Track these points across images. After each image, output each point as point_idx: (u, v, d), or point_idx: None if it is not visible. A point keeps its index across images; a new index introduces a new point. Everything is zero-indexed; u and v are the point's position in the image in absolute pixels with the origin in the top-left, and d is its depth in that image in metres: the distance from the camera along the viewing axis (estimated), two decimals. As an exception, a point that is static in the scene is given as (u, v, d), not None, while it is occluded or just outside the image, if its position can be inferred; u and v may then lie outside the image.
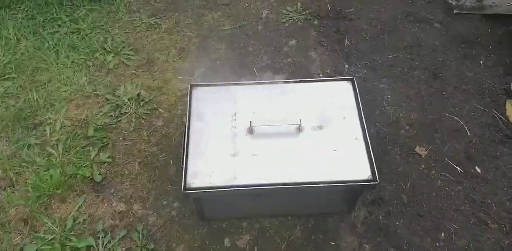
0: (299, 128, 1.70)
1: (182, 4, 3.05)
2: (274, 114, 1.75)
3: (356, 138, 1.70)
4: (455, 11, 3.01)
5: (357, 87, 1.85)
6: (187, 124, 1.71)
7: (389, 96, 2.51)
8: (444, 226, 2.03)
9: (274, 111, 1.77)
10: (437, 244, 1.96)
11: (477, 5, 3.06)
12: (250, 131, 1.70)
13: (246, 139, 1.69)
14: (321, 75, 2.55)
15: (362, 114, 1.76)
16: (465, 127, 2.45)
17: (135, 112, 2.43)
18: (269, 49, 2.72)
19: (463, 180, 2.25)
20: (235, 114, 1.77)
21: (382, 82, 2.57)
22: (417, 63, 2.70)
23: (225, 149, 1.65)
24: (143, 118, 2.41)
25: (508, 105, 2.56)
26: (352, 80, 1.89)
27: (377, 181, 1.57)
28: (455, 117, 2.49)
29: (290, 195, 1.73)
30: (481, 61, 2.76)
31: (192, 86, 1.86)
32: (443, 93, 2.59)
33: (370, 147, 1.64)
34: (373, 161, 1.61)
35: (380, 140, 2.34)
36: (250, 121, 1.67)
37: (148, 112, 2.44)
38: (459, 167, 2.30)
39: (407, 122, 2.43)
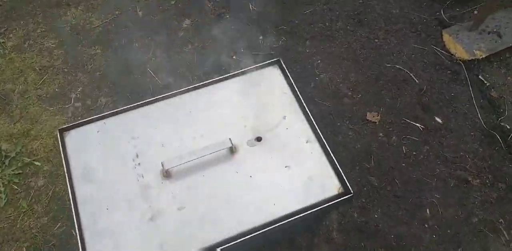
0: (232, 149, 1.26)
1: (25, 8, 2.32)
2: (192, 140, 1.28)
3: (307, 141, 1.29)
4: None
5: (286, 70, 1.41)
6: (69, 191, 1.20)
7: (319, 61, 2.12)
8: (426, 200, 1.77)
9: (190, 136, 1.30)
10: (426, 225, 1.70)
11: None
12: (166, 175, 1.23)
13: (163, 188, 1.22)
14: (234, 57, 2.07)
15: (305, 105, 1.34)
16: (411, 75, 2.15)
17: (0, 178, 1.80)
18: (160, 38, 2.15)
19: (428, 137, 1.99)
20: (137, 156, 1.28)
21: (306, 46, 2.15)
22: (337, 12, 2.29)
23: (137, 213, 1.17)
24: (14, 182, 1.78)
25: (445, 37, 2.28)
26: (279, 63, 1.44)
27: (351, 193, 1.21)
28: (397, 66, 2.17)
29: (249, 242, 1.32)
30: (403, -7, 2.42)
31: (62, 131, 1.32)
32: (376, 40, 2.24)
33: (328, 148, 1.25)
34: (338, 166, 1.23)
35: (325, 118, 1.97)
36: (162, 162, 1.20)
37: (20, 171, 1.79)
38: (419, 123, 2.02)
39: (348, 87, 2.07)
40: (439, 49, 2.25)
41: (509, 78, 2.23)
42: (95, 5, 2.26)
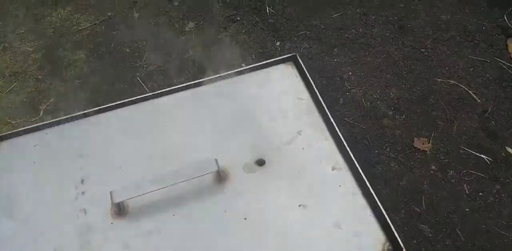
0: (220, 176, 0.84)
1: (8, 7, 2.01)
2: (162, 160, 0.87)
3: (333, 168, 0.85)
4: None
5: (305, 69, 1.00)
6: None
7: (350, 73, 1.69)
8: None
9: (160, 155, 0.89)
10: None
11: None
12: (117, 211, 0.81)
13: (111, 232, 0.80)
14: (243, 65, 1.69)
15: (330, 116, 0.91)
16: (470, 92, 1.68)
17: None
18: (156, 43, 1.80)
19: (498, 173, 1.49)
20: (82, 181, 0.88)
21: (334, 55, 1.74)
22: (373, 17, 1.89)
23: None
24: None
25: (511, 47, 1.82)
26: (294, 59, 1.03)
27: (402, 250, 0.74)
28: (451, 81, 1.71)
29: None
30: (453, -3, 2.01)
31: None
32: (422, 50, 1.80)
33: (365, 180, 0.80)
34: (382, 209, 0.76)
35: (358, 143, 1.51)
36: (111, 193, 0.77)
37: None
38: (484, 155, 1.53)
39: (389, 105, 1.62)
40: (504, 62, 1.79)
41: None
42: (85, 6, 1.94)
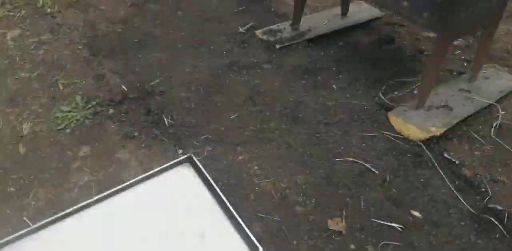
0: None
1: None
2: None
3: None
4: (277, 46, 2.63)
5: (202, 169, 1.07)
6: None
7: (256, 168, 1.82)
8: None
9: None
10: None
11: (295, 33, 2.76)
12: None
13: None
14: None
15: (234, 213, 0.96)
16: (367, 166, 1.85)
17: None
18: (46, 176, 1.77)
19: (411, 238, 1.58)
20: None
21: (238, 153, 1.88)
22: (268, 113, 2.12)
23: None
24: None
25: (393, 119, 2.10)
26: (190, 160, 1.11)
27: None
28: (349, 159, 1.89)
29: None
30: (334, 86, 2.34)
31: None
32: (317, 135, 2.01)
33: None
34: None
35: (276, 236, 1.55)
36: None
37: None
38: (394, 223, 1.63)
39: (298, 193, 1.73)
40: (390, 133, 2.03)
41: (476, 153, 1.97)
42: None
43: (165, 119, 1.99)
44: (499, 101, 2.17)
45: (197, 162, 1.12)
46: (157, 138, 1.90)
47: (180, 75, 2.33)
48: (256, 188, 1.72)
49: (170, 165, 1.13)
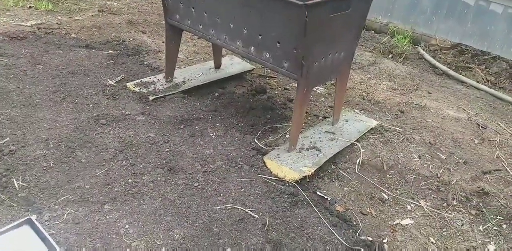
0: None
1: None
2: None
3: None
4: (150, 98, 2.65)
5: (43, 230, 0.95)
6: None
7: (127, 226, 1.70)
8: None
9: None
10: None
11: (170, 85, 2.83)
12: None
13: None
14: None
15: None
16: (246, 211, 1.89)
17: None
18: None
19: (293, 280, 1.60)
20: None
21: (105, 212, 1.75)
22: (141, 165, 2.05)
23: None
24: None
25: (268, 162, 2.21)
26: (29, 223, 0.98)
27: None
28: (228, 206, 1.90)
29: None
30: (211, 134, 2.40)
31: None
32: (195, 184, 2.00)
33: None
34: None
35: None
36: None
37: None
38: (277, 266, 1.64)
39: (175, 248, 1.65)
40: (266, 176, 2.13)
41: (345, 189, 2.17)
42: None
43: (15, 182, 1.77)
44: (358, 140, 2.47)
45: (37, 223, 1.01)
46: (4, 204, 1.66)
47: (36, 132, 2.15)
48: (128, 250, 1.59)
49: (8, 228, 1.00)
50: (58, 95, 2.51)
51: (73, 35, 3.34)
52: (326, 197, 2.08)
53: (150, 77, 2.89)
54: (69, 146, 2.09)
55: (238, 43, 2.27)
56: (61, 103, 2.44)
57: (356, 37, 2.30)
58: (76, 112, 2.37)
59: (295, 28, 1.94)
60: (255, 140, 2.39)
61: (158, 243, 1.65)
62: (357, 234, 1.90)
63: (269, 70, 3.36)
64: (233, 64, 3.27)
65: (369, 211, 2.06)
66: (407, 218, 2.05)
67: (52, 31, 3.30)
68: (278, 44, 2.07)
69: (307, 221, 1.91)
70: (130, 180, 1.94)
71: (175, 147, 2.25)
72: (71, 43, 3.21)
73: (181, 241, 1.69)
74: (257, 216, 1.87)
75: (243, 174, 2.13)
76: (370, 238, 1.88)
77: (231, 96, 2.88)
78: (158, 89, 2.78)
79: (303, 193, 2.05)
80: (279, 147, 2.35)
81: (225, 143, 2.35)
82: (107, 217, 1.71)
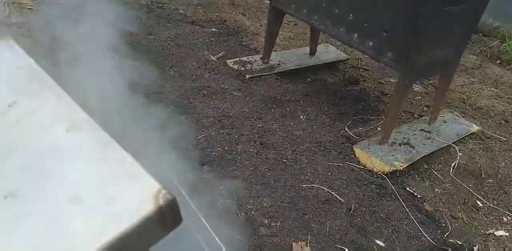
0: None
1: None
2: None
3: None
4: (247, 76, 2.78)
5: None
6: None
7: (221, 187, 1.83)
8: None
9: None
10: None
11: (265, 66, 2.94)
12: None
13: None
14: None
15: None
16: (333, 193, 1.93)
17: None
18: None
19: (375, 265, 1.62)
20: None
21: (204, 171, 1.90)
22: (236, 136, 2.18)
23: None
24: None
25: (357, 151, 2.23)
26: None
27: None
28: (315, 186, 1.96)
29: None
30: (302, 117, 2.47)
31: None
32: (284, 161, 2.09)
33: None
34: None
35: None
36: None
37: None
38: (358, 250, 1.68)
39: (263, 214, 1.75)
40: (355, 165, 2.15)
41: (436, 190, 2.13)
42: None
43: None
44: (456, 143, 2.40)
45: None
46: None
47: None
48: (221, 207, 1.72)
49: None
50: (166, 64, 2.73)
51: (181, 11, 3.58)
52: (415, 194, 2.05)
53: (248, 57, 3.03)
54: (175, 110, 2.28)
55: (341, 29, 2.30)
56: (168, 71, 2.66)
57: (467, 35, 2.23)
58: (181, 81, 2.58)
59: (406, 18, 1.93)
60: (346, 128, 2.42)
61: (248, 207, 1.76)
62: (445, 235, 1.86)
63: (363, 62, 3.35)
64: (327, 52, 3.30)
65: (460, 216, 2.00)
66: (502, 229, 1.97)
67: (163, 6, 3.57)
68: (384, 33, 2.07)
69: (394, 214, 1.91)
70: (226, 147, 2.08)
71: (266, 124, 2.35)
72: (178, 18, 3.45)
73: (269, 209, 1.78)
74: (343, 200, 1.91)
75: (331, 158, 2.17)
76: (459, 242, 1.84)
77: (323, 83, 2.93)
78: (254, 69, 2.90)
79: (392, 186, 2.05)
80: (370, 138, 2.35)
81: (314, 127, 2.41)
82: (205, 176, 1.86)
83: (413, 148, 2.28)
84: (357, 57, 3.40)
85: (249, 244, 1.59)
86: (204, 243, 1.00)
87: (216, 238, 1.02)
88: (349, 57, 3.26)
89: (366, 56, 3.38)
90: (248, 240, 1.61)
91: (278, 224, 1.72)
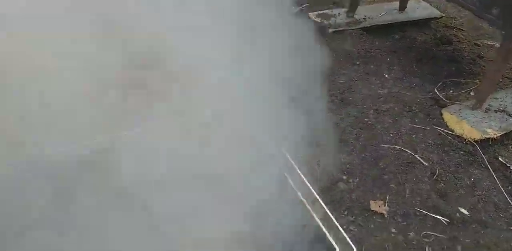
0: None
1: None
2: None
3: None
4: (330, 30, 2.67)
5: None
6: None
7: (297, 140, 1.83)
8: None
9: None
10: None
11: (350, 20, 2.80)
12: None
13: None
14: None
15: None
16: (416, 156, 1.86)
17: None
18: None
19: (457, 233, 1.57)
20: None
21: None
22: (316, 89, 2.14)
23: None
24: None
25: (446, 116, 2.10)
26: None
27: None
28: (397, 147, 1.89)
29: None
30: (387, 75, 2.35)
31: None
32: (366, 120, 2.02)
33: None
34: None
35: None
36: None
37: None
38: (440, 216, 1.62)
39: (342, 170, 1.74)
40: (442, 129, 2.03)
41: (532, 162, 1.96)
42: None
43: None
44: (561, 115, 2.16)
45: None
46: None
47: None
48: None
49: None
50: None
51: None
52: (508, 165, 1.91)
53: (332, 10, 2.89)
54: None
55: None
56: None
57: None
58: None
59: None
60: (435, 90, 2.27)
61: (326, 161, 1.75)
62: (538, 210, 1.74)
63: (457, 21, 3.07)
64: (419, 9, 3.05)
65: (556, 192, 1.85)
66: None
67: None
68: (493, -14, 1.85)
69: (481, 183, 1.80)
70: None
71: (349, 80, 2.27)
72: (261, -34, 3.34)
73: (347, 166, 1.76)
74: (426, 164, 1.83)
75: (416, 120, 2.07)
76: (554, 218, 1.71)
77: (412, 41, 2.74)
78: (338, 22, 2.77)
79: (482, 155, 1.92)
80: (462, 103, 2.19)
81: (401, 86, 2.29)
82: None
83: (510, 116, 2.10)
84: (451, 16, 3.12)
85: (325, 198, 1.59)
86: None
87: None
88: (443, 15, 3.00)
89: (462, 15, 3.12)
90: (325, 195, 1.61)
91: (356, 180, 1.70)
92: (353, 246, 0.80)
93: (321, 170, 1.71)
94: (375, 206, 1.61)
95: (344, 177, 1.71)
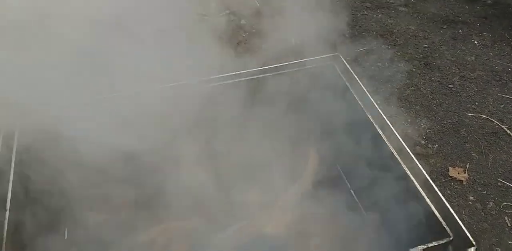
0: None
1: None
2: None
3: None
4: (417, -9, 2.54)
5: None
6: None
7: (378, 102, 1.81)
8: None
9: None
10: None
11: (439, -19, 2.63)
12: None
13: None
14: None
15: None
16: (503, 127, 1.78)
17: None
18: None
19: (541, 206, 1.51)
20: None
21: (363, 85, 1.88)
22: (399, 53, 2.08)
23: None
24: None
25: (540, 88, 1.97)
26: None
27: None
28: (482, 116, 1.82)
29: None
30: (475, 42, 2.22)
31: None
32: (450, 86, 1.95)
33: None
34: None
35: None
36: None
37: None
38: (524, 188, 1.57)
39: (420, 134, 1.72)
40: (534, 101, 1.92)
41: None
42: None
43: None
44: None
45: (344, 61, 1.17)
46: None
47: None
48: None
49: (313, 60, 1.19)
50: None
51: None
52: None
53: (420, -31, 2.73)
54: (335, 20, 2.23)
55: None
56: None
57: None
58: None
59: None
60: (530, 60, 2.12)
61: (404, 124, 1.74)
62: None
63: None
64: (520, -28, 2.80)
65: None
66: None
67: None
68: None
69: None
70: (386, 64, 2.01)
71: (434, 45, 2.17)
72: None
73: (427, 131, 1.73)
74: (512, 135, 1.76)
75: (506, 90, 1.96)
76: None
77: (506, 7, 2.53)
78: (425, -17, 2.62)
79: None
80: (560, 74, 2.04)
81: (491, 54, 2.16)
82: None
83: None
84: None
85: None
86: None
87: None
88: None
89: None
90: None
91: (435, 146, 1.68)
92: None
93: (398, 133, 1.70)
94: (454, 172, 1.58)
95: (423, 142, 1.68)
